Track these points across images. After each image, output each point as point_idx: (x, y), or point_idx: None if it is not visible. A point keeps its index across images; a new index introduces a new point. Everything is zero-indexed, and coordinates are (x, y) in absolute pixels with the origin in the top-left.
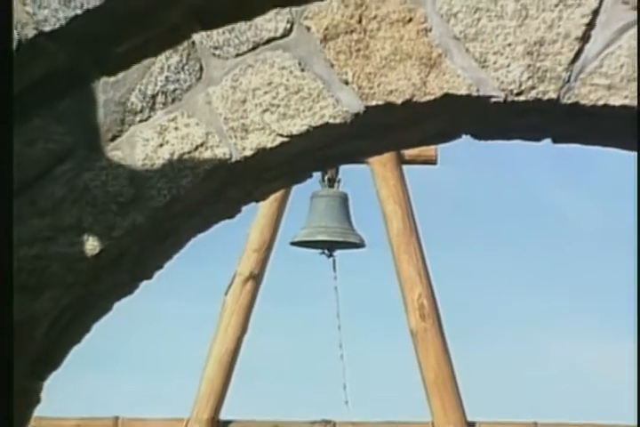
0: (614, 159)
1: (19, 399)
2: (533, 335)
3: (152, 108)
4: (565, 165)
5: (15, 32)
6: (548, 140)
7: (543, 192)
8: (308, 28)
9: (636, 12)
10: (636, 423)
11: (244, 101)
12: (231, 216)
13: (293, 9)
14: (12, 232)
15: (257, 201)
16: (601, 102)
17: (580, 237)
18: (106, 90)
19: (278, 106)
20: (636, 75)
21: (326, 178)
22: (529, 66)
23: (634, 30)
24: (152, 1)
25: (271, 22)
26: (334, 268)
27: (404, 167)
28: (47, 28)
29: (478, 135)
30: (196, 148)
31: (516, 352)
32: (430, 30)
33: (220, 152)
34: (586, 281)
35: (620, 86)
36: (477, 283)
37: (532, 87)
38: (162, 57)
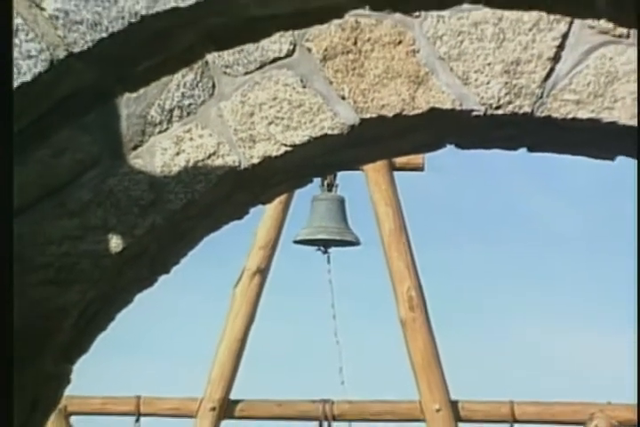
0: (585, 166)
1: (51, 381)
2: (510, 323)
3: (169, 121)
4: (539, 170)
5: (48, 53)
6: (523, 150)
7: (519, 195)
8: (309, 49)
9: (601, 36)
10: (605, 401)
11: (252, 114)
12: (240, 217)
13: (296, 32)
14: (11, 234)
15: (263, 204)
16: (570, 116)
17: (552, 236)
18: (128, 104)
19: (282, 118)
20: (602, 91)
21: (325, 183)
22: (506, 83)
23: (599, 51)
24: (170, 24)
25: (276, 44)
26: (331, 263)
27: (395, 174)
28: (76, 50)
29: (461, 145)
30: (209, 156)
31: (495, 338)
32: (418, 51)
33: (230, 160)
34: (557, 276)
35: (588, 102)
36: (461, 277)
37: (509, 102)
38: (178, 75)
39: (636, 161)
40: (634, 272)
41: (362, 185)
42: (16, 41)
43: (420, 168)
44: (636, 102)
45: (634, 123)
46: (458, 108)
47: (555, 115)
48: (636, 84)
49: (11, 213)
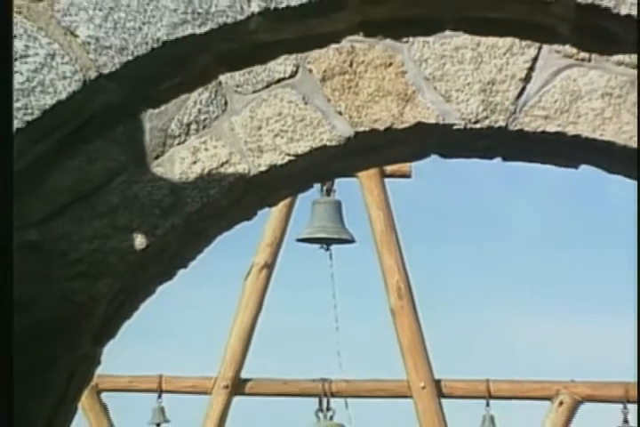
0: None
1: (85, 361)
2: (486, 310)
3: (187, 134)
4: (512, 176)
5: (81, 74)
6: (499, 159)
7: (493, 198)
8: (310, 71)
9: (566, 59)
10: (569, 379)
11: (260, 128)
12: (249, 218)
13: (298, 55)
14: (11, 236)
15: (269, 206)
16: (540, 129)
17: (518, 234)
18: (151, 119)
19: (286, 131)
20: (567, 107)
21: (324, 188)
22: (483, 100)
23: (565, 73)
24: (188, 49)
25: (281, 66)
26: (331, 258)
27: (386, 180)
28: (106, 71)
29: (444, 154)
30: (222, 164)
31: (473, 324)
32: (406, 72)
33: (241, 168)
34: (524, 268)
35: (555, 117)
36: (443, 271)
37: (486, 117)
38: (195, 93)
39: (637, 168)
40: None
41: (356, 190)
42: (53, 64)
43: (407, 175)
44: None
45: (596, 135)
46: (441, 122)
47: (526, 128)
48: (597, 102)
49: (10, 220)
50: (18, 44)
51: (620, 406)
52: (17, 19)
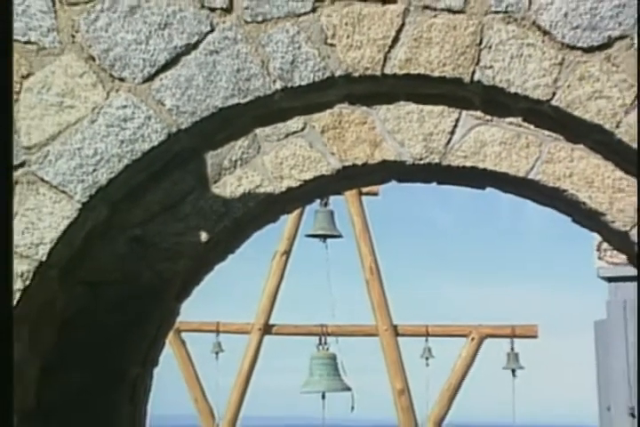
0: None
1: (169, 314)
2: (428, 280)
3: (234, 167)
4: (441, 193)
5: (166, 129)
6: (435, 183)
7: (428, 208)
8: (313, 126)
9: (477, 120)
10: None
11: (281, 163)
12: (274, 221)
13: (306, 116)
14: (11, 237)
15: (288, 213)
16: (461, 165)
17: (442, 231)
18: (211, 157)
19: (298, 165)
20: (477, 151)
21: (323, 202)
22: (425, 146)
23: (476, 129)
24: (235, 113)
25: (295, 123)
26: (326, 248)
27: (362, 197)
28: (183, 127)
29: (400, 180)
30: (256, 187)
31: (419, 289)
32: (375, 128)
33: (269, 189)
34: (449, 253)
35: (470, 157)
36: (400, 256)
37: (427, 157)
38: (239, 141)
39: (637, 164)
40: None
41: (343, 203)
42: (149, 123)
43: (376, 193)
44: (487, 165)
45: (496, 169)
46: (398, 159)
47: (452, 164)
48: (496, 147)
49: (10, 228)
50: (127, 111)
51: (509, 340)
52: (127, 94)
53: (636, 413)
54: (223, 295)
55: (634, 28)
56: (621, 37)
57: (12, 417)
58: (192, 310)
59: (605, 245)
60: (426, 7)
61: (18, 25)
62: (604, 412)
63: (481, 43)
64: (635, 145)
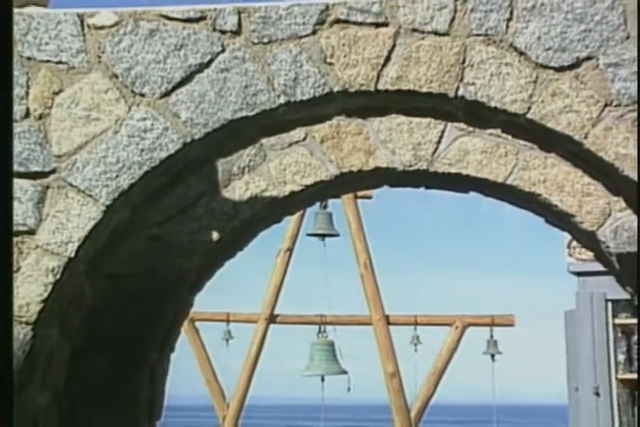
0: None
1: (183, 305)
2: (415, 274)
3: (242, 173)
4: (428, 197)
5: (182, 140)
6: (423, 187)
7: (416, 210)
8: (314, 136)
9: (461, 131)
10: (461, 313)
11: (285, 170)
12: (279, 222)
13: (307, 127)
14: (11, 238)
15: (291, 215)
16: (446, 171)
17: (428, 229)
18: (222, 164)
19: (300, 172)
20: (461, 159)
21: (322, 205)
22: (414, 154)
23: (460, 139)
24: (243, 125)
25: (297, 133)
26: (325, 246)
27: (358, 200)
28: (196, 138)
29: (391, 185)
30: (262, 191)
31: (408, 282)
32: (369, 138)
33: (274, 193)
34: (434, 248)
35: (454, 164)
36: (392, 252)
37: (416, 164)
38: (247, 149)
39: (637, 164)
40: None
41: (340, 206)
42: (166, 133)
43: (370, 197)
44: (475, 173)
45: (478, 175)
46: (390, 166)
47: (438, 171)
48: (478, 156)
49: (10, 228)
50: (147, 123)
51: (489, 328)
52: (146, 108)
53: (600, 391)
54: (232, 288)
55: (599, 50)
56: (588, 58)
57: (12, 417)
58: (205, 301)
59: (575, 243)
60: (414, 30)
61: (51, 47)
62: (573, 392)
63: (464, 62)
64: (601, 154)
